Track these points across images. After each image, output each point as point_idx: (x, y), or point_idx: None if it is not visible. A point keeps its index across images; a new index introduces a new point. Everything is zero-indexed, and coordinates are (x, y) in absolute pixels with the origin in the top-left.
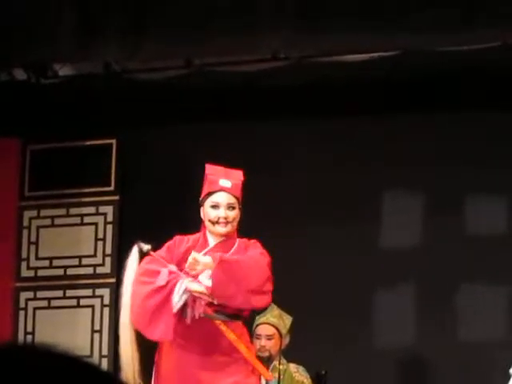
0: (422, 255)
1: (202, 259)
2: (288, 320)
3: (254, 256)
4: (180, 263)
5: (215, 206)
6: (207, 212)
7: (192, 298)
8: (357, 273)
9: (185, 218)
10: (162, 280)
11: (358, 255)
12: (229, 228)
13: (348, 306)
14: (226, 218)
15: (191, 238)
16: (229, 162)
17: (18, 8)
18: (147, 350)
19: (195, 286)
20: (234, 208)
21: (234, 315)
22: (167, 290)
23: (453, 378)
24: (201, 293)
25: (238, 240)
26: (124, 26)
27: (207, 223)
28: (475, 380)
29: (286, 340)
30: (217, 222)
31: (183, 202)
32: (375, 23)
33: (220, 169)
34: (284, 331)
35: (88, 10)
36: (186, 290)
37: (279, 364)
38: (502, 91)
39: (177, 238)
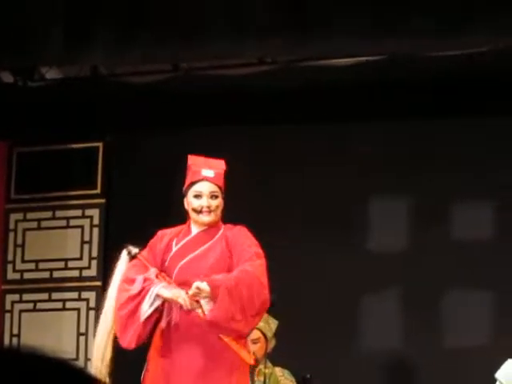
0: (408, 261)
1: (205, 288)
2: (274, 324)
3: (252, 270)
4: (164, 255)
5: (198, 196)
6: (190, 202)
7: (168, 304)
8: (344, 277)
9: (171, 221)
10: (135, 288)
11: (345, 260)
12: (212, 217)
13: (334, 311)
14: (208, 207)
15: (174, 229)
16: None
17: (4, 11)
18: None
19: (166, 293)
20: (216, 197)
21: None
22: (139, 298)
23: (439, 382)
24: (171, 299)
25: (222, 227)
26: (111, 30)
27: (191, 212)
28: None
29: (272, 344)
30: (200, 211)
31: (169, 205)
32: (363, 27)
33: (202, 159)
34: (270, 335)
35: (75, 13)
36: (157, 297)
37: (265, 368)
38: (492, 96)
39: (159, 232)
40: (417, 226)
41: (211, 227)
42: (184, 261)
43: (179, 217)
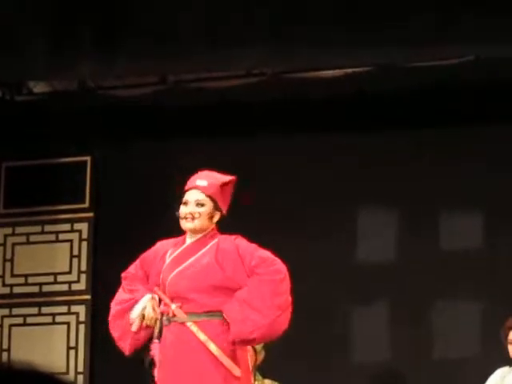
0: (397, 271)
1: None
2: None
3: (258, 277)
4: (159, 268)
5: (185, 203)
6: (180, 210)
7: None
8: (332, 289)
9: (159, 234)
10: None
11: (333, 272)
12: (196, 224)
13: (324, 322)
14: (191, 214)
15: (172, 240)
16: None
17: None
18: None
19: (138, 307)
20: (202, 205)
21: (204, 313)
22: (127, 306)
23: None
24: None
25: (217, 238)
26: (98, 43)
27: (180, 221)
28: None
29: (262, 356)
30: (185, 218)
31: (158, 218)
32: (350, 39)
33: (206, 172)
34: (259, 347)
35: (62, 27)
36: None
37: (254, 380)
38: (475, 106)
39: (158, 243)
40: (405, 236)
41: (203, 237)
42: (173, 273)
43: (168, 230)
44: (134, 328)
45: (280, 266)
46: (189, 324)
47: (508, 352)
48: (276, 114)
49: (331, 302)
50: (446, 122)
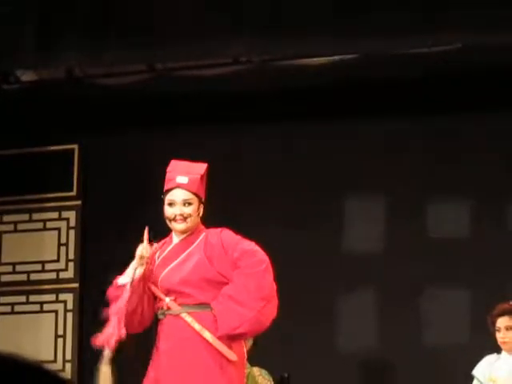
0: (384, 259)
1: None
2: None
3: (240, 270)
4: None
5: (171, 204)
6: (165, 210)
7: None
8: (319, 276)
9: (147, 222)
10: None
11: (320, 259)
12: (186, 224)
13: (311, 310)
14: (181, 215)
15: (159, 243)
16: None
17: None
18: None
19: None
20: (190, 204)
21: (198, 305)
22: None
23: (416, 380)
24: (137, 256)
25: (204, 232)
26: (85, 32)
27: (167, 221)
28: (438, 382)
29: (249, 344)
30: (174, 220)
31: (145, 206)
32: (336, 26)
33: (180, 164)
34: None
35: (49, 16)
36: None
37: None
38: (463, 93)
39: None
40: (393, 224)
41: (191, 235)
42: (165, 271)
43: (155, 218)
44: (128, 284)
45: (261, 256)
46: (183, 315)
47: (496, 339)
48: (263, 101)
49: (319, 290)
50: (434, 110)
